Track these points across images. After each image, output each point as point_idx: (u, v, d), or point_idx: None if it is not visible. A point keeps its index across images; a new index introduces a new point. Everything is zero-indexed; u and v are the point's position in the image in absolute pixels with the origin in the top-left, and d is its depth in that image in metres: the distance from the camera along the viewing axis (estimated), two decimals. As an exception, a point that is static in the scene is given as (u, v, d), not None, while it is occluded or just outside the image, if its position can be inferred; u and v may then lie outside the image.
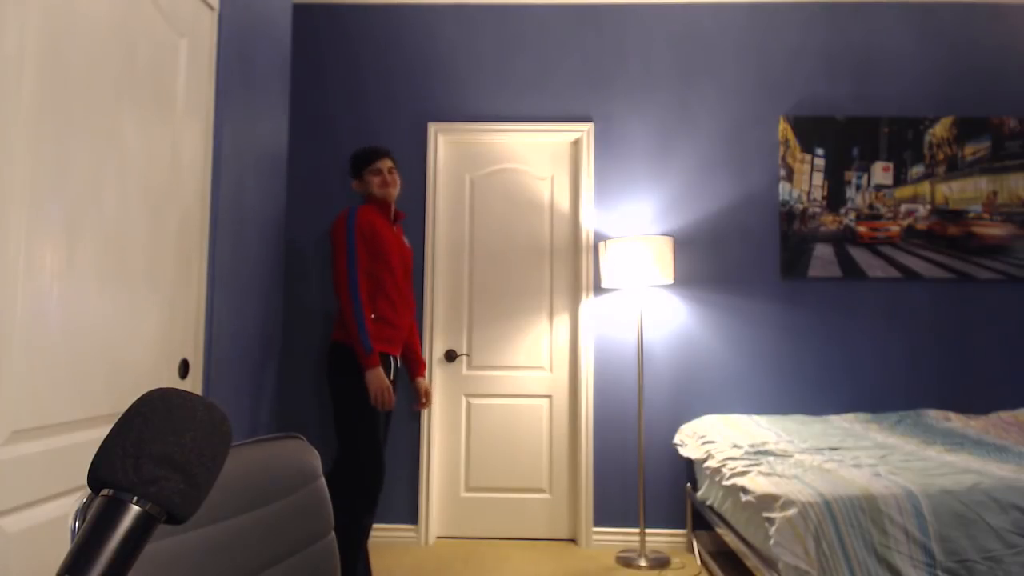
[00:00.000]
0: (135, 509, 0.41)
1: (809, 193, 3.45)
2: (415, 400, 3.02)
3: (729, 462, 2.54)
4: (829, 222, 3.44)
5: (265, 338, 2.55)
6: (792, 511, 1.97)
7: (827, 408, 3.36)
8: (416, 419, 3.38)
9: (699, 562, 3.06)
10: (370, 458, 2.54)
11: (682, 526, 3.31)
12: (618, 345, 3.40)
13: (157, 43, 1.79)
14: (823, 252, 3.42)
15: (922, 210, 3.44)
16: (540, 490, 3.42)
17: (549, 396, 3.47)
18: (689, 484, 3.26)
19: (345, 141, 3.52)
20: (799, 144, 3.47)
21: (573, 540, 3.38)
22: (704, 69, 3.52)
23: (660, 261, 3.10)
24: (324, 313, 3.43)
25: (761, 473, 2.28)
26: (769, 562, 2.06)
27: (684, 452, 3.08)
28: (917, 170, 3.46)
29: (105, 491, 0.42)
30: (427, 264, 3.44)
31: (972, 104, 3.48)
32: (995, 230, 3.42)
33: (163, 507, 0.42)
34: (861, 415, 3.19)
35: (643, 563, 3.02)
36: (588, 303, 3.41)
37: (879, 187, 3.46)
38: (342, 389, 2.59)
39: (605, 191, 3.47)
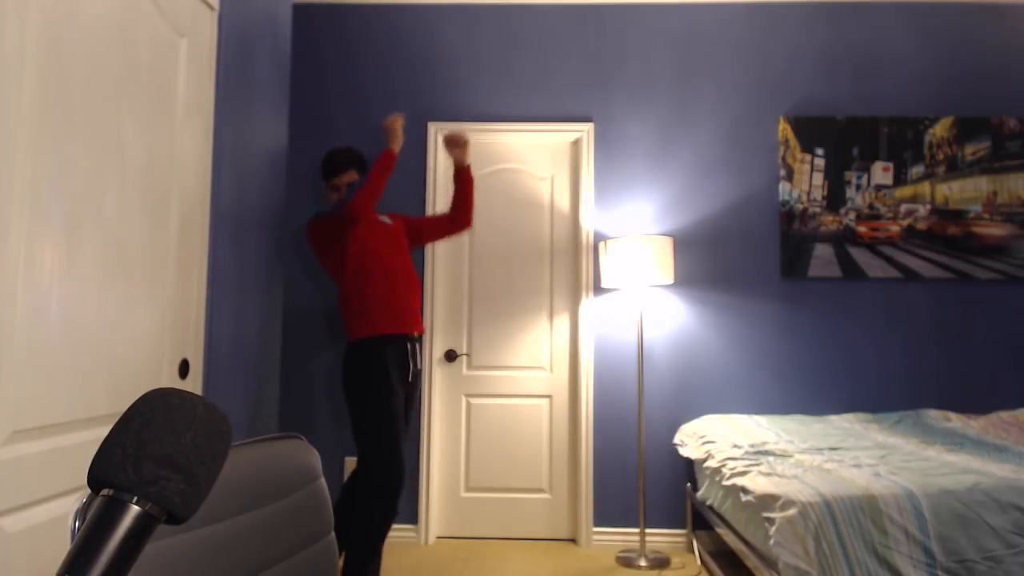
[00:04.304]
0: (135, 509, 0.41)
1: (809, 193, 3.45)
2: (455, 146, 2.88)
3: (729, 462, 2.54)
4: (829, 222, 3.44)
5: (265, 338, 2.55)
6: (792, 511, 1.97)
7: (827, 408, 3.36)
8: (416, 419, 3.38)
9: (699, 562, 3.06)
10: (391, 458, 2.49)
11: (682, 526, 3.31)
12: (618, 345, 3.40)
13: (157, 43, 1.79)
14: (823, 252, 3.42)
15: (922, 210, 3.44)
16: (540, 490, 3.42)
17: (549, 396, 3.47)
18: (689, 484, 3.26)
19: (345, 141, 3.52)
20: (799, 144, 3.47)
21: (573, 540, 3.38)
22: (704, 69, 3.52)
23: (660, 261, 3.10)
24: (324, 313, 3.43)
25: (761, 473, 2.28)
26: (769, 562, 2.06)
27: (684, 452, 3.08)
28: (917, 170, 3.46)
29: (105, 491, 0.42)
30: (427, 264, 3.44)
31: (972, 104, 3.48)
32: (995, 230, 3.42)
33: (163, 507, 0.42)
34: (861, 415, 3.19)
35: (643, 563, 3.02)
36: (588, 303, 3.41)
37: (879, 187, 3.46)
38: (358, 390, 2.56)
39: (605, 191, 3.47)
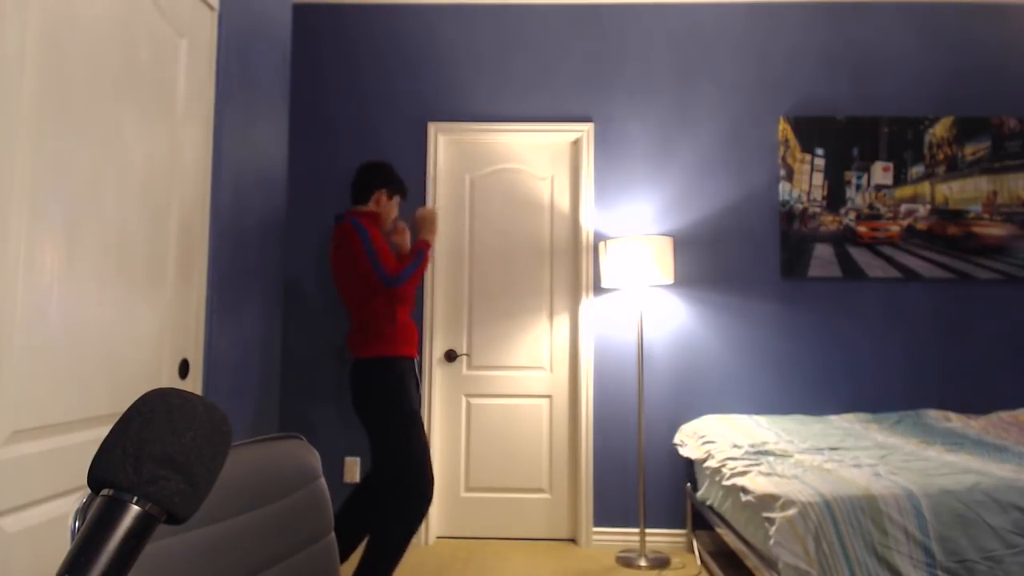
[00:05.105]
0: (135, 509, 0.41)
1: (809, 193, 3.45)
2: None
3: (729, 462, 2.54)
4: (829, 222, 3.44)
5: (265, 338, 2.55)
6: (792, 511, 1.97)
7: (827, 408, 3.36)
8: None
9: (699, 562, 3.06)
10: (425, 467, 2.45)
11: (682, 526, 3.31)
12: (618, 345, 3.40)
13: (157, 43, 1.79)
14: (823, 252, 3.42)
15: (922, 210, 3.44)
16: (540, 490, 3.42)
17: (549, 396, 3.47)
18: (689, 484, 3.26)
19: (345, 141, 3.52)
20: (799, 144, 3.47)
21: (573, 540, 3.38)
22: (704, 69, 3.52)
23: (660, 261, 3.10)
24: (324, 312, 3.43)
25: (761, 473, 2.28)
26: (769, 562, 2.06)
27: (684, 452, 3.08)
28: (917, 170, 3.46)
29: (105, 491, 0.42)
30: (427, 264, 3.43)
31: (972, 104, 3.48)
32: (995, 230, 3.42)
33: (163, 507, 0.42)
34: (861, 415, 3.19)
35: (643, 563, 3.02)
36: (588, 303, 3.41)
37: (879, 187, 3.46)
38: (384, 402, 2.49)
39: (605, 191, 3.47)
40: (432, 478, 2.48)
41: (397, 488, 2.44)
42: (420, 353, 2.79)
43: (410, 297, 2.62)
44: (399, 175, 2.75)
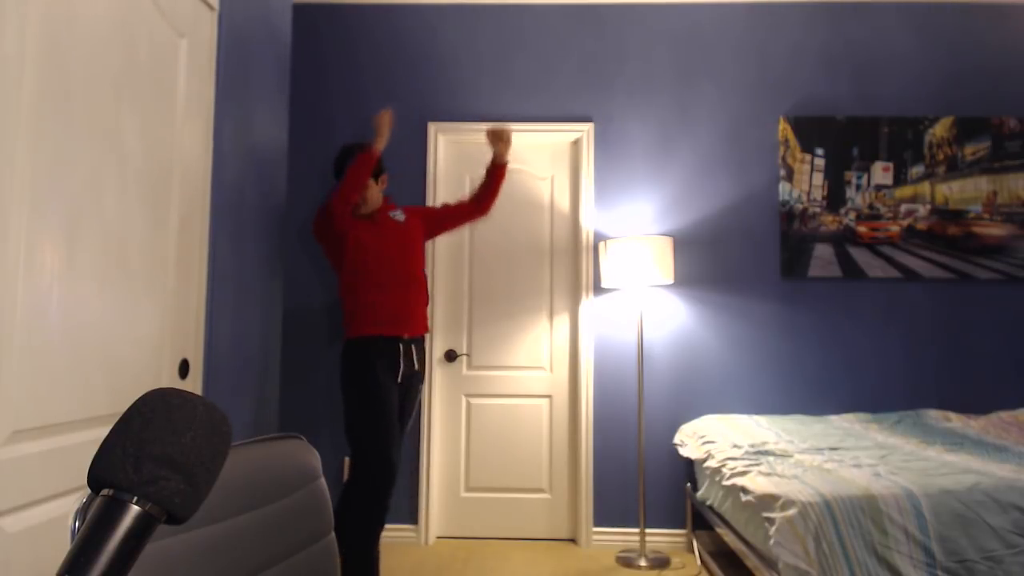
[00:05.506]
0: (135, 509, 0.41)
1: (809, 193, 3.45)
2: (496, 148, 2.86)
3: (729, 462, 2.54)
4: (829, 222, 3.44)
5: (265, 338, 2.55)
6: (792, 511, 1.97)
7: (827, 408, 3.36)
8: (416, 419, 3.37)
9: (699, 562, 3.06)
10: (376, 457, 2.49)
11: (682, 526, 3.31)
12: (618, 345, 3.40)
13: (157, 43, 1.79)
14: (823, 252, 3.42)
15: (922, 210, 3.44)
16: (540, 490, 3.42)
17: (549, 396, 3.47)
18: (689, 484, 3.26)
19: (345, 141, 3.52)
20: (799, 144, 3.47)
21: (573, 540, 3.38)
22: (704, 69, 3.52)
23: (660, 261, 3.10)
24: (325, 312, 3.43)
25: (761, 473, 2.28)
26: (769, 562, 2.06)
27: (684, 452, 3.08)
28: (917, 170, 3.46)
29: (105, 491, 0.42)
30: (427, 264, 3.44)
31: (972, 104, 3.48)
32: (995, 230, 3.42)
33: (163, 507, 0.42)
34: (861, 415, 3.19)
35: (643, 563, 3.02)
36: (588, 303, 3.41)
37: (879, 187, 3.46)
38: (348, 388, 2.58)
39: (605, 191, 3.47)
40: (387, 469, 2.49)
41: (356, 474, 2.53)
42: (412, 330, 2.67)
43: (373, 271, 2.61)
44: (352, 151, 2.69)
